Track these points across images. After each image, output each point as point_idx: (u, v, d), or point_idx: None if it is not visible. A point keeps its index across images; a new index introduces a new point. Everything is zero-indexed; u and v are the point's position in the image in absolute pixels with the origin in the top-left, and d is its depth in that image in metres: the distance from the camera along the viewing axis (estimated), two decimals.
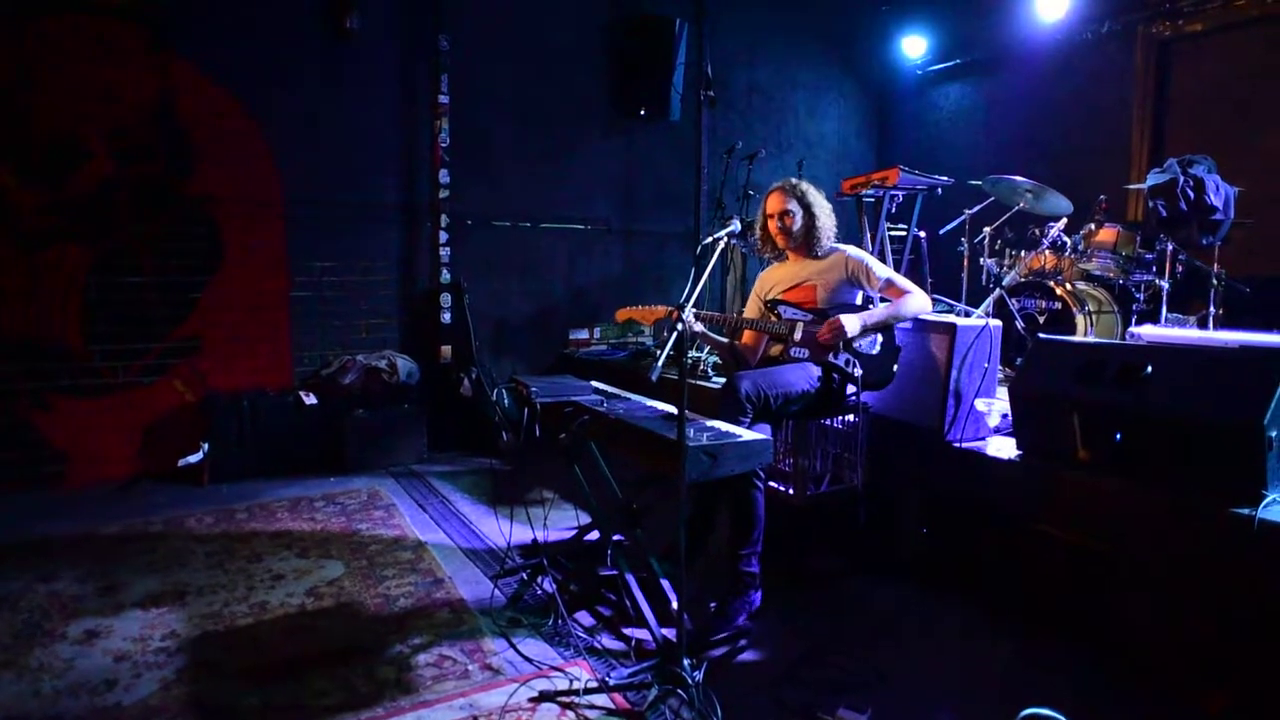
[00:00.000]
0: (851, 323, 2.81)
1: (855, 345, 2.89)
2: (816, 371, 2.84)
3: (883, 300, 3.04)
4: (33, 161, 3.97)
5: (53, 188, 4.03)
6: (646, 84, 5.63)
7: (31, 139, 3.96)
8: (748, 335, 3.14)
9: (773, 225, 3.03)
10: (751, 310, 3.21)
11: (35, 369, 4.04)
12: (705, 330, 2.98)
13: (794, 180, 3.06)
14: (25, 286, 4.00)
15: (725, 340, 3.11)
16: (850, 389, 2.92)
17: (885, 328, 2.94)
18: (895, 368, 2.98)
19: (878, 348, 2.94)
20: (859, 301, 3.05)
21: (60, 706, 2.12)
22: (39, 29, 3.94)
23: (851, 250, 3.03)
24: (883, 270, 2.99)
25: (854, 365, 2.86)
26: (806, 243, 3.02)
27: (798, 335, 2.91)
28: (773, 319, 3.01)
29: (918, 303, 2.91)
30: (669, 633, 2.34)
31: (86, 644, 2.45)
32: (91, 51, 4.06)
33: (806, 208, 2.99)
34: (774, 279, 3.14)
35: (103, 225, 4.16)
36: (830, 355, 2.85)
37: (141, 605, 2.71)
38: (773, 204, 3.03)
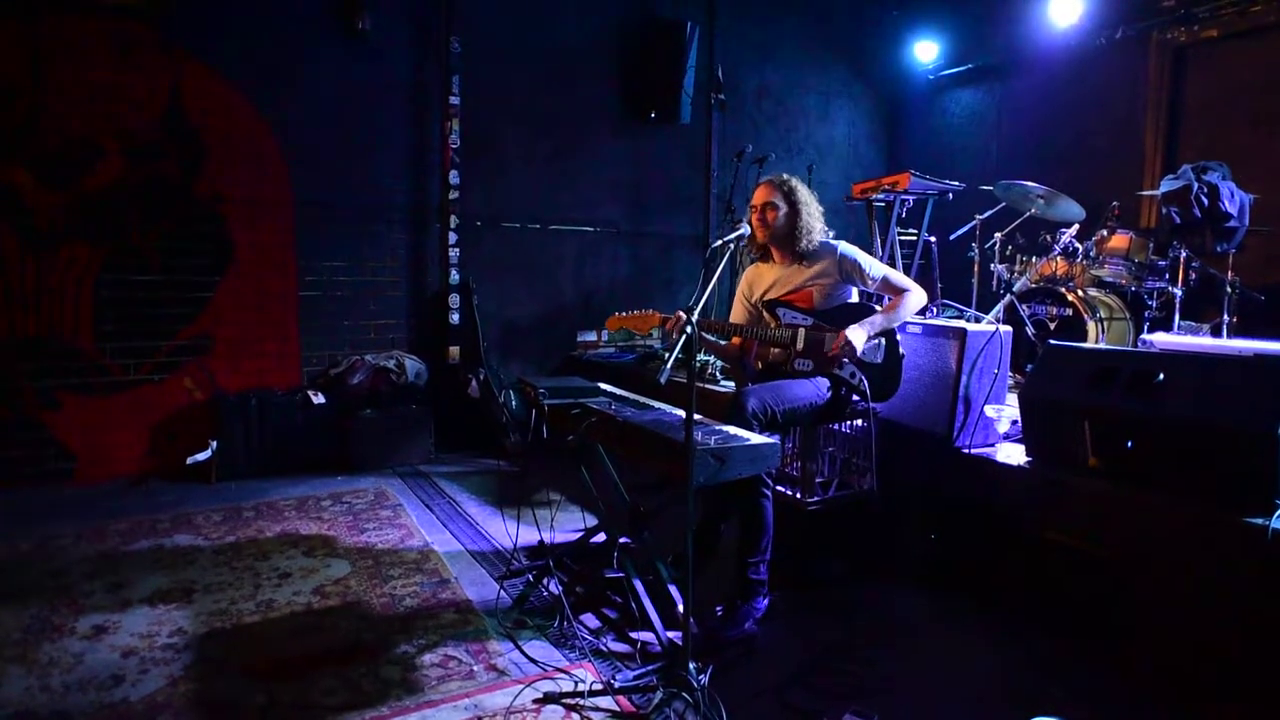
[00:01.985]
0: (858, 337, 2.77)
1: (860, 354, 2.87)
2: (825, 384, 2.82)
3: (878, 294, 3.03)
4: (45, 162, 4.00)
5: (65, 188, 4.06)
6: (657, 87, 5.64)
7: (44, 139, 3.99)
8: (738, 339, 3.08)
9: (754, 217, 2.95)
10: (738, 310, 3.15)
11: (46, 367, 4.06)
12: (708, 336, 2.95)
13: (785, 176, 2.99)
14: (37, 285, 4.03)
15: (727, 344, 3.10)
16: (857, 399, 2.90)
17: (889, 330, 2.92)
18: (900, 376, 2.96)
19: (881, 355, 2.92)
20: (855, 297, 3.02)
21: (68, 701, 2.13)
22: (51, 30, 3.97)
23: (842, 247, 2.97)
24: (876, 268, 2.95)
25: (860, 378, 2.84)
26: (788, 239, 2.94)
27: (800, 344, 2.87)
28: (772, 325, 2.95)
29: (916, 300, 2.90)
30: (675, 636, 2.33)
31: (94, 640, 2.46)
32: (103, 52, 4.09)
33: (793, 205, 2.92)
34: (763, 280, 3.07)
35: (114, 225, 4.18)
36: (835, 367, 2.84)
37: (149, 602, 2.72)
38: (758, 196, 2.96)
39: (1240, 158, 4.56)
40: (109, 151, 4.15)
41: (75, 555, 3.13)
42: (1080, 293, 4.21)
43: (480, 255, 5.24)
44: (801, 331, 2.87)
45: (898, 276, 2.96)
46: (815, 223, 2.96)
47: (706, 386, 4.18)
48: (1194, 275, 4.24)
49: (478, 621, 2.62)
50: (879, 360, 2.91)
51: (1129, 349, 3.81)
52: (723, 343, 3.11)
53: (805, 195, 2.95)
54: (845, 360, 2.82)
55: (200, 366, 4.45)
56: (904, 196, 4.79)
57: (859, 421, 3.06)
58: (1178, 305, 4.16)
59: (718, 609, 2.60)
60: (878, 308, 2.94)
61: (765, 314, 2.99)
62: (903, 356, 2.97)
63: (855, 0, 6.90)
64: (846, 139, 7.09)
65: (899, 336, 2.98)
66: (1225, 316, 4.11)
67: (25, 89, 3.93)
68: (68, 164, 4.05)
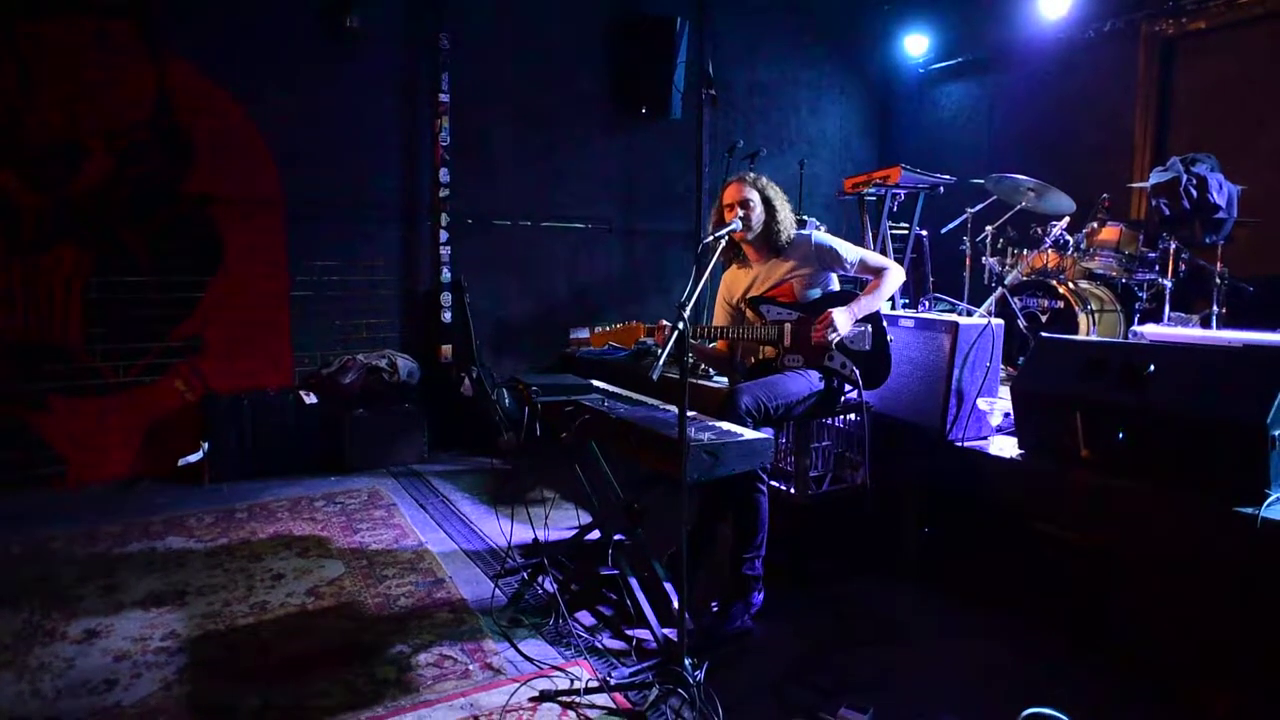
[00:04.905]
0: (843, 319, 2.77)
1: (847, 342, 2.87)
2: (816, 376, 2.82)
3: (859, 277, 3.03)
4: (32, 163, 3.97)
5: (52, 189, 4.03)
6: (647, 82, 5.62)
7: (30, 140, 3.95)
8: (723, 342, 3.07)
9: (730, 216, 2.84)
10: (720, 315, 3.13)
11: (35, 370, 4.03)
12: (695, 342, 2.94)
13: (753, 174, 2.95)
14: (25, 288, 4.00)
15: (714, 349, 3.10)
16: (849, 389, 2.91)
17: (875, 316, 2.92)
18: (890, 362, 2.96)
19: (869, 342, 2.92)
20: (835, 284, 3.02)
21: (60, 706, 2.12)
22: (36, 29, 3.93)
23: (816, 236, 2.97)
24: (852, 251, 2.95)
25: (850, 367, 2.84)
26: (765, 235, 2.90)
27: (787, 339, 2.87)
28: (757, 323, 2.94)
29: (896, 276, 2.91)
30: (670, 633, 2.33)
31: (87, 643, 2.44)
32: (90, 52, 4.05)
33: (767, 200, 2.88)
34: (741, 281, 3.05)
35: (103, 226, 4.15)
36: (825, 359, 2.84)
37: (142, 605, 2.71)
38: (731, 194, 2.88)
39: (1228, 149, 4.58)
40: (96, 152, 4.11)
41: (66, 558, 3.12)
42: (1071, 285, 4.23)
43: (472, 253, 5.22)
44: (787, 327, 2.87)
45: (874, 256, 2.98)
46: (788, 217, 2.95)
47: (700, 382, 4.18)
48: (1183, 267, 4.27)
49: (473, 620, 2.62)
50: (867, 347, 2.91)
51: (1120, 341, 3.83)
52: (710, 346, 3.10)
53: (776, 190, 2.93)
54: (834, 350, 2.83)
55: (191, 367, 4.43)
56: (895, 190, 4.79)
57: (852, 415, 3.06)
58: (1168, 297, 4.18)
59: (713, 605, 2.60)
60: (859, 292, 2.94)
61: (749, 312, 2.98)
62: (889, 339, 2.97)
63: None
64: (838, 133, 7.09)
65: (885, 326, 2.98)
66: (1215, 308, 4.13)
67: (11, 89, 3.89)
68: (54, 165, 4.02)
